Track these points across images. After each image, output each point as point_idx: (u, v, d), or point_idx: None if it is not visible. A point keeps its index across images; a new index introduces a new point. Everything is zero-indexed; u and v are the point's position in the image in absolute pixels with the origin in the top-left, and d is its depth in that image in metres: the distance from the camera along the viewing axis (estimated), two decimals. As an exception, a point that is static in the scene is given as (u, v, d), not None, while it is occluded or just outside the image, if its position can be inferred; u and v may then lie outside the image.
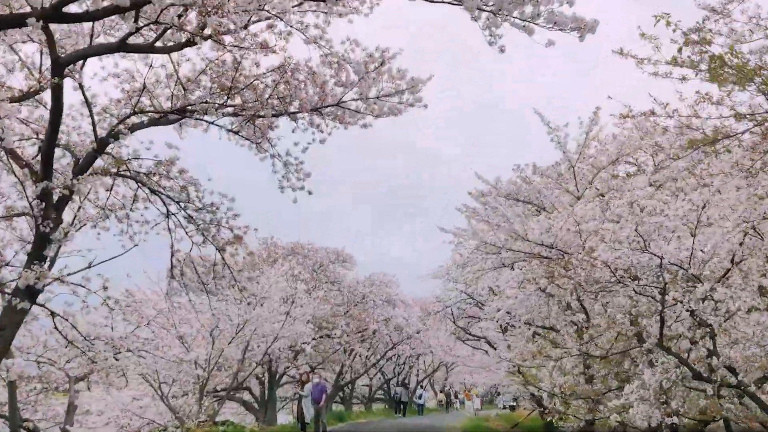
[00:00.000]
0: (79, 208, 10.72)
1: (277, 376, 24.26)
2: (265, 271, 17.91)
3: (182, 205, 9.02)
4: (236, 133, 8.65)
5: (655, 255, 8.31)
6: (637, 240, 8.14)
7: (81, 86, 7.68)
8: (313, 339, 23.07)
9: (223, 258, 9.35)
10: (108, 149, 8.98)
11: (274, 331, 18.04)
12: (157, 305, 15.29)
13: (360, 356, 36.83)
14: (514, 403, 56.89)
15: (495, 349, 24.10)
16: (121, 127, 8.15)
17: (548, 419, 30.09)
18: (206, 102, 8.48)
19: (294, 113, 9.07)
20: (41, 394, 12.59)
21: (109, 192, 9.64)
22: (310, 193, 9.32)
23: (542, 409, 31.66)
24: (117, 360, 11.15)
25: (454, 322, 25.07)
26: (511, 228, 10.40)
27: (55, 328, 9.12)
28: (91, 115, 8.04)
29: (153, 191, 9.00)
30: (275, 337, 18.13)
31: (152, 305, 15.10)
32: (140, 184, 8.94)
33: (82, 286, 8.62)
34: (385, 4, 7.82)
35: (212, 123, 8.51)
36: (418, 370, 50.58)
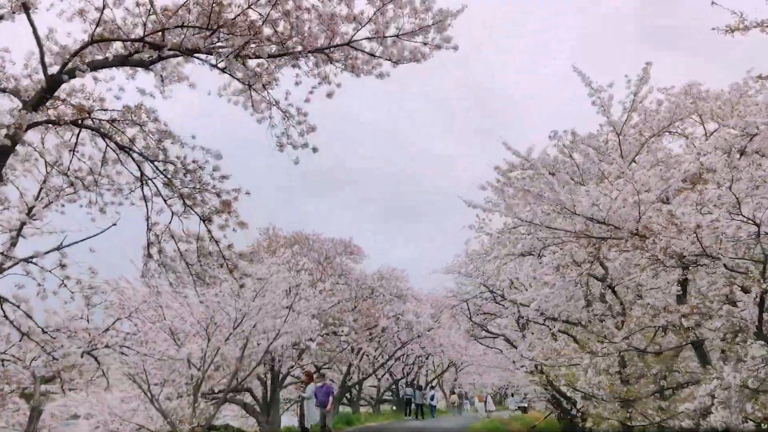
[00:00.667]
0: (45, 179, 9.08)
1: (281, 377, 22.58)
2: (265, 259, 16.22)
3: (158, 165, 7.31)
4: (224, 71, 6.92)
5: (750, 221, 6.59)
6: (730, 202, 6.43)
7: (24, 5, 5.97)
8: (319, 336, 21.40)
9: (209, 232, 7.65)
10: (69, 98, 7.32)
11: (276, 327, 16.33)
12: (143, 296, 13.63)
13: (368, 356, 35.16)
14: (525, 404, 55.24)
15: (514, 347, 22.35)
16: (78, 61, 6.45)
17: (567, 421, 28.35)
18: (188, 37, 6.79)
19: (294, 53, 7.35)
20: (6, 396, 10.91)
21: (72, 153, 7.95)
22: (315, 150, 7.61)
23: (560, 411, 29.90)
24: (92, 356, 9.49)
25: (470, 318, 23.31)
26: (557, 199, 8.64)
27: (5, 317, 7.43)
28: (39, 44, 6.33)
29: (122, 148, 7.30)
30: (277, 333, 16.42)
31: (137, 295, 13.45)
32: (107, 139, 7.23)
33: (34, 263, 6.94)
34: None
35: (197, 58, 6.79)
36: (427, 371, 48.84)
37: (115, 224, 8.47)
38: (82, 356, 8.11)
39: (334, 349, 24.29)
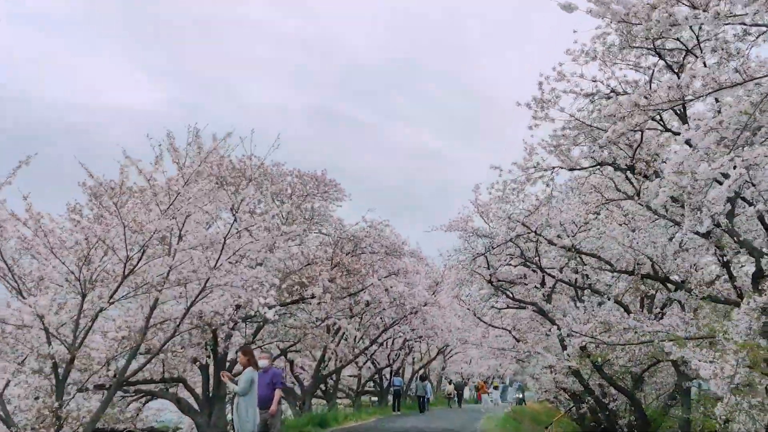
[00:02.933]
0: None
1: (227, 362, 16.32)
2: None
3: None
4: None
5: None
6: None
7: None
8: (282, 306, 15.17)
9: None
10: None
11: (200, 278, 10.04)
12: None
13: (347, 338, 29.02)
14: (521, 396, 49.56)
15: (552, 321, 16.39)
16: None
17: (590, 421, 22.53)
18: None
19: None
20: None
21: None
22: None
23: (581, 408, 23.95)
24: None
25: (490, 279, 17.20)
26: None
27: None
28: None
29: None
30: (202, 287, 10.11)
31: None
32: None
33: None
34: None
35: None
36: (413, 359, 42.81)
37: None
38: None
39: (305, 325, 17.97)
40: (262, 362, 10.53)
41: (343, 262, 15.26)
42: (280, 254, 12.46)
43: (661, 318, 13.62)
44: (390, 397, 37.67)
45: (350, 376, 35.11)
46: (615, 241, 12.69)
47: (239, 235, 10.48)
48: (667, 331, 10.76)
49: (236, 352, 16.52)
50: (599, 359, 15.18)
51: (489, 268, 16.57)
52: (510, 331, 27.01)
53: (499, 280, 17.82)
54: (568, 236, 13.78)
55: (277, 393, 10.37)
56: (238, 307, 12.09)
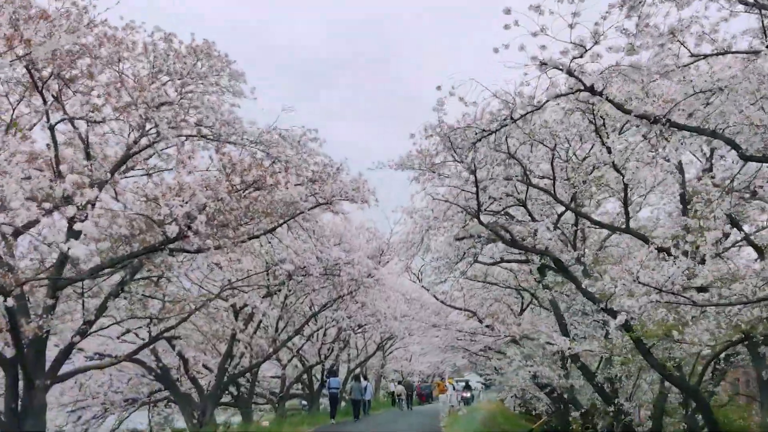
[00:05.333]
0: None
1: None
2: None
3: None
4: None
5: None
6: None
7: None
8: (122, 262, 8.64)
9: None
10: None
11: None
12: None
13: (267, 328, 22.56)
14: (469, 395, 44.26)
15: (575, 280, 10.62)
16: None
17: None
18: None
19: None
20: None
21: None
22: None
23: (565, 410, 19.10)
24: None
25: (477, 214, 11.22)
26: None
27: None
28: None
29: None
30: None
31: None
32: None
33: None
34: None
35: None
36: (349, 355, 36.61)
37: None
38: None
39: (180, 298, 11.39)
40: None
41: (245, 173, 8.80)
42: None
43: None
44: (323, 401, 31.41)
45: (272, 377, 28.56)
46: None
47: None
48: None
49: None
50: (655, 337, 9.46)
51: (479, 196, 10.52)
52: (475, 314, 21.33)
53: (496, 214, 11.92)
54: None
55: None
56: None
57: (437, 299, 20.65)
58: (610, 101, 6.51)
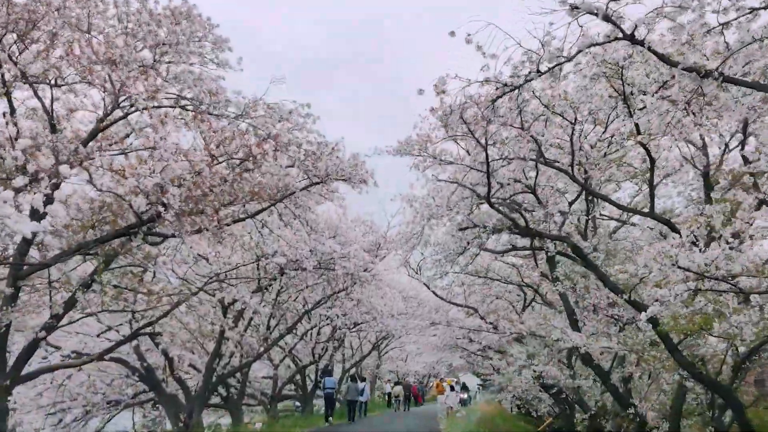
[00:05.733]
0: None
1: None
2: None
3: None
4: None
5: None
6: None
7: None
8: (91, 246, 7.63)
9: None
10: None
11: None
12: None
13: (258, 326, 21.52)
14: (466, 396, 43.33)
15: (602, 274, 9.55)
16: None
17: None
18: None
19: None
20: None
21: None
22: None
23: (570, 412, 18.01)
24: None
25: (488, 196, 10.31)
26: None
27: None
28: None
29: None
30: None
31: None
32: None
33: None
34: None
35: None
36: (344, 355, 35.56)
37: None
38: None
39: (158, 289, 10.34)
40: None
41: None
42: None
43: None
44: (317, 402, 30.36)
45: (264, 377, 27.51)
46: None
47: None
48: None
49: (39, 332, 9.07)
50: (688, 331, 8.51)
51: (490, 176, 9.54)
52: (476, 311, 20.37)
53: (505, 201, 10.96)
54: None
55: None
56: None
57: (437, 295, 19.69)
58: (653, 52, 5.56)
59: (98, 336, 14.63)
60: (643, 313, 7.30)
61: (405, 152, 12.78)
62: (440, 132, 12.17)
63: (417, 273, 18.71)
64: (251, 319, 19.91)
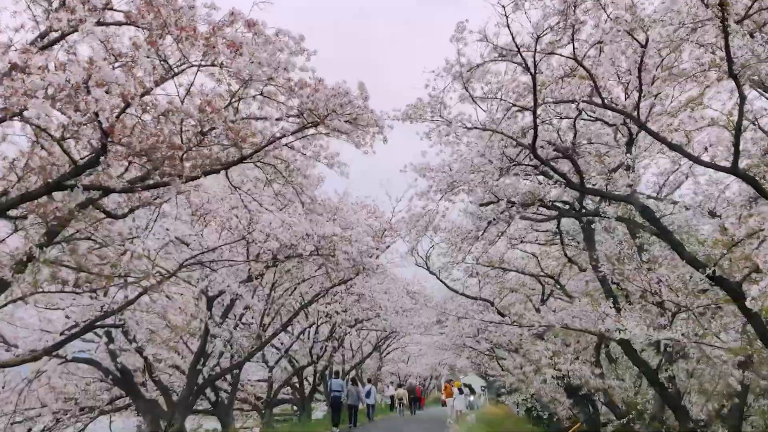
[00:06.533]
0: None
1: None
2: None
3: None
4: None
5: None
6: None
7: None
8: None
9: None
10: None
11: None
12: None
13: (250, 324, 19.44)
14: (471, 399, 41.34)
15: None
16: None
17: None
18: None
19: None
20: None
21: None
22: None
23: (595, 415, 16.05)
24: None
25: (534, 148, 8.32)
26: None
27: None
28: None
29: None
30: None
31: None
32: None
33: None
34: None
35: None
36: (343, 356, 33.51)
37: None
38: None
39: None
40: None
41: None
42: None
43: None
44: (315, 406, 28.34)
45: (258, 380, 25.47)
46: None
47: None
48: None
49: None
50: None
51: (535, 116, 7.53)
52: (492, 303, 18.40)
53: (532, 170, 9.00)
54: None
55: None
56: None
57: (448, 287, 17.73)
58: None
59: (62, 334, 12.58)
60: (748, 290, 5.33)
61: (414, 118, 10.85)
62: (455, 94, 10.25)
63: (426, 261, 16.79)
64: (242, 314, 17.91)
